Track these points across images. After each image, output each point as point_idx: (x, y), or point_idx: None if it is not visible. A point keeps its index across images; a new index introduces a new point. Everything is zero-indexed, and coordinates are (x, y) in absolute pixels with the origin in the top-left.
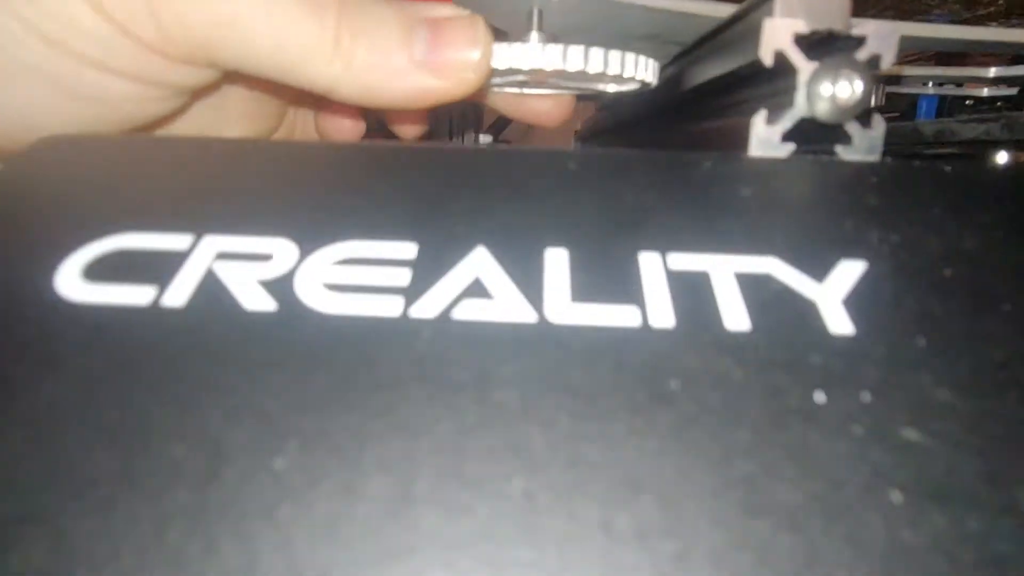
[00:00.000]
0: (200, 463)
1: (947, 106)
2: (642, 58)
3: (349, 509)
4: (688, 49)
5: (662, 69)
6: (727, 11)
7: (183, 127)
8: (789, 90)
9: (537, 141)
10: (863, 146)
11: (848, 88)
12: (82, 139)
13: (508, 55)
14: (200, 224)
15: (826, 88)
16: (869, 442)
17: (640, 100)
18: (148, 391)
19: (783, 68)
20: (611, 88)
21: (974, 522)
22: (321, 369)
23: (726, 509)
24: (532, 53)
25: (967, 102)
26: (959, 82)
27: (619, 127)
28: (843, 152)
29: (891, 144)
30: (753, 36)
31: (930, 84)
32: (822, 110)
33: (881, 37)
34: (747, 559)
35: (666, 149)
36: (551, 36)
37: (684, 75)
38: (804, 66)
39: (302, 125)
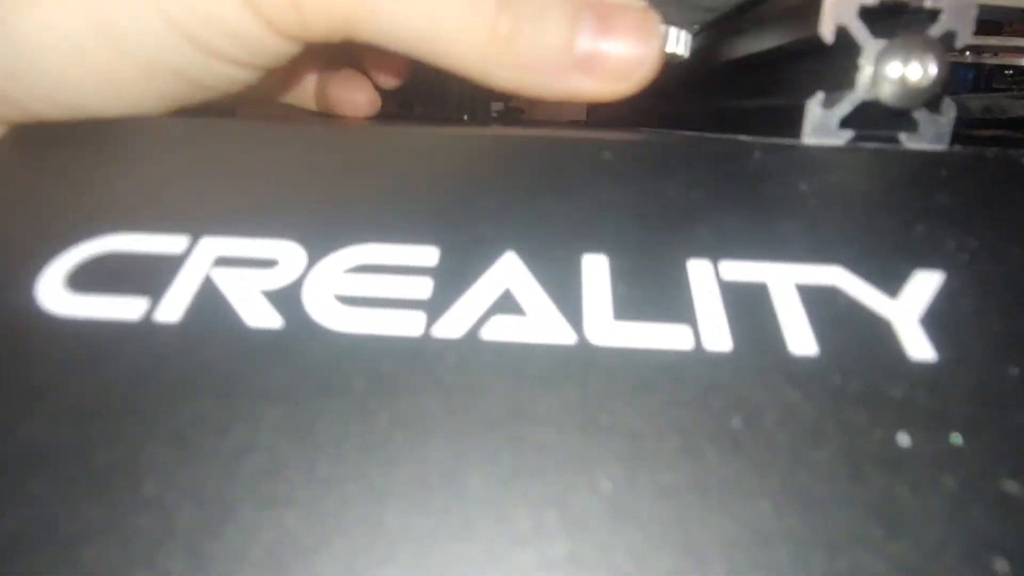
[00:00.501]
0: (198, 512)
1: (985, 76)
2: (673, 30)
3: (364, 566)
4: (726, 14)
5: (694, 35)
6: None
7: None
8: (850, 70)
9: (550, 108)
10: (930, 133)
11: (919, 70)
12: (60, 126)
13: None
14: (196, 223)
15: (895, 69)
16: (964, 497)
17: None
18: (139, 424)
19: (844, 45)
20: None
21: None
22: (333, 401)
23: None
24: None
25: (1007, 71)
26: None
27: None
28: (908, 140)
29: None
30: (809, 7)
31: (967, 52)
32: (889, 93)
33: (957, 10)
34: None
35: (701, 128)
36: None
37: (720, 45)
38: (870, 44)
39: (299, 80)
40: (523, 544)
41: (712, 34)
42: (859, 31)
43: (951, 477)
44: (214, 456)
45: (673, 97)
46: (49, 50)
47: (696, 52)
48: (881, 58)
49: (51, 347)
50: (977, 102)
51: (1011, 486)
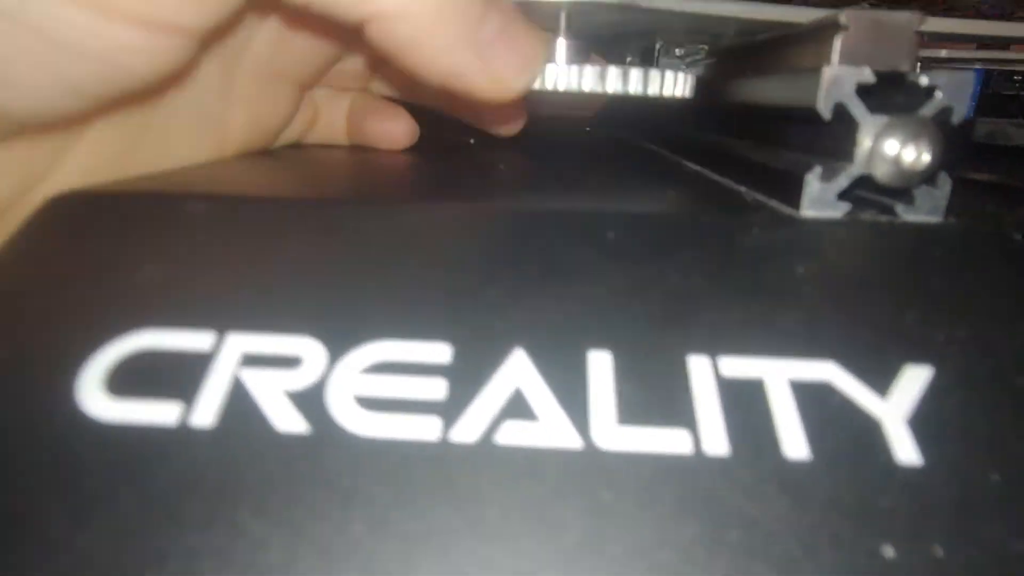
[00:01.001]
0: None
1: (993, 81)
2: (680, 76)
3: None
4: (727, 53)
5: (697, 61)
6: (763, 12)
7: (183, 108)
8: (848, 143)
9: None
10: (926, 206)
11: (915, 153)
12: (95, 198)
13: (543, 76)
14: (221, 317)
15: (891, 147)
16: None
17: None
18: (182, 535)
19: (842, 118)
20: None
21: None
22: (363, 507)
23: None
24: (569, 75)
25: (1015, 77)
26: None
27: (640, 123)
28: (904, 212)
29: None
30: (810, 80)
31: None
32: (884, 172)
33: (953, 87)
34: None
35: (704, 161)
36: (578, 39)
37: (725, 84)
38: (868, 121)
39: (327, 117)
40: None
41: (717, 68)
42: (856, 108)
43: None
44: (253, 569)
45: (674, 126)
46: None
47: (701, 83)
48: (878, 137)
49: (94, 453)
50: (983, 126)
51: None
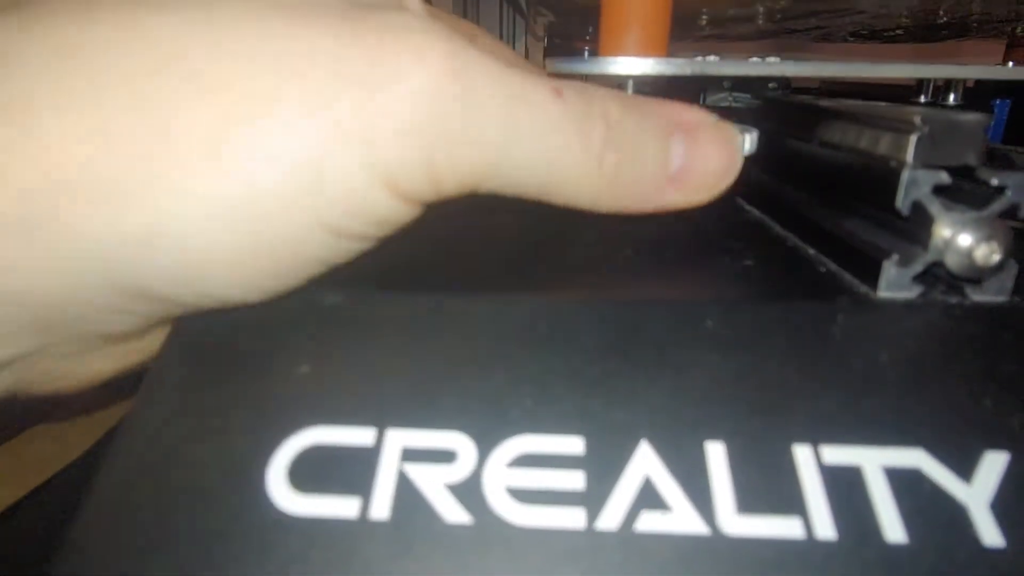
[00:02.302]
0: None
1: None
2: (748, 136)
3: None
4: (788, 110)
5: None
6: (829, 71)
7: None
8: (923, 233)
9: None
10: (993, 287)
11: (987, 249)
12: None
13: None
14: (378, 414)
15: (964, 241)
16: None
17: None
18: None
19: (919, 210)
20: None
21: None
22: None
23: None
24: None
25: None
26: None
27: None
28: (972, 292)
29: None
30: (888, 174)
31: (1010, 63)
32: (956, 264)
33: (1020, 187)
34: None
35: (761, 209)
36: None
37: (784, 141)
38: (943, 217)
39: None
40: None
41: (777, 123)
42: (933, 205)
43: None
44: None
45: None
46: (212, 264)
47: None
48: (954, 233)
49: (291, 543)
50: (1020, 158)
51: None
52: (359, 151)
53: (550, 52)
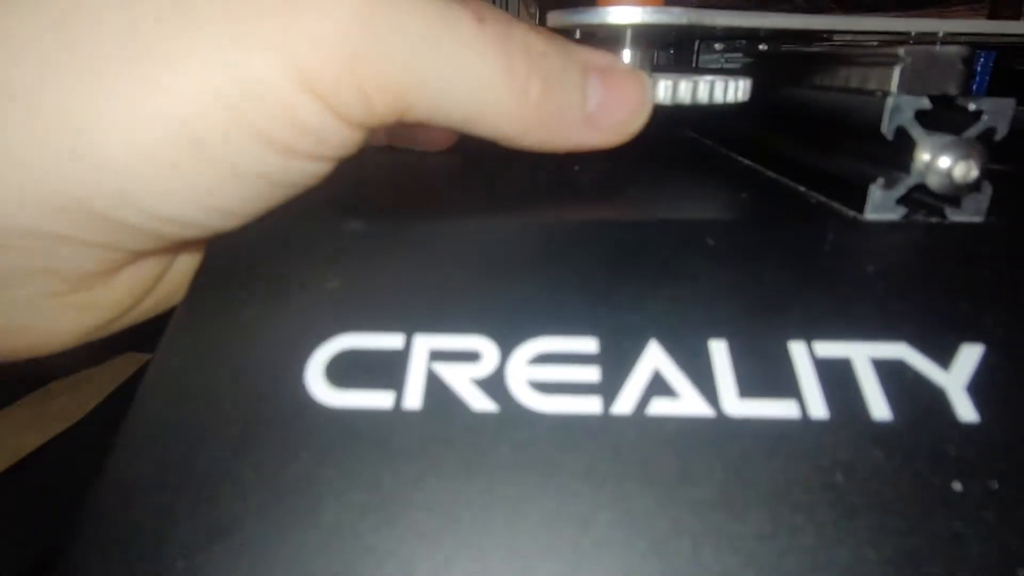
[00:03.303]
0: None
1: (1005, 58)
2: (741, 83)
3: None
4: (779, 60)
5: (733, 57)
6: (819, 23)
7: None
8: (906, 157)
9: None
10: (971, 208)
11: (965, 169)
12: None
13: None
14: (406, 322)
15: (944, 163)
16: (1001, 528)
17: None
18: (408, 499)
19: (902, 136)
20: None
21: None
22: (550, 467)
23: None
24: None
25: None
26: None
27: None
28: (951, 214)
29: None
30: (873, 102)
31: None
32: (937, 184)
33: (996, 112)
34: None
35: (769, 162)
36: (639, 47)
37: (775, 90)
38: (925, 141)
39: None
40: (686, 567)
41: (769, 73)
42: (915, 129)
43: (991, 514)
44: (470, 528)
45: (733, 120)
46: (149, 172)
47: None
48: (934, 154)
49: (331, 433)
50: None
51: None
52: (284, 62)
53: (545, 7)
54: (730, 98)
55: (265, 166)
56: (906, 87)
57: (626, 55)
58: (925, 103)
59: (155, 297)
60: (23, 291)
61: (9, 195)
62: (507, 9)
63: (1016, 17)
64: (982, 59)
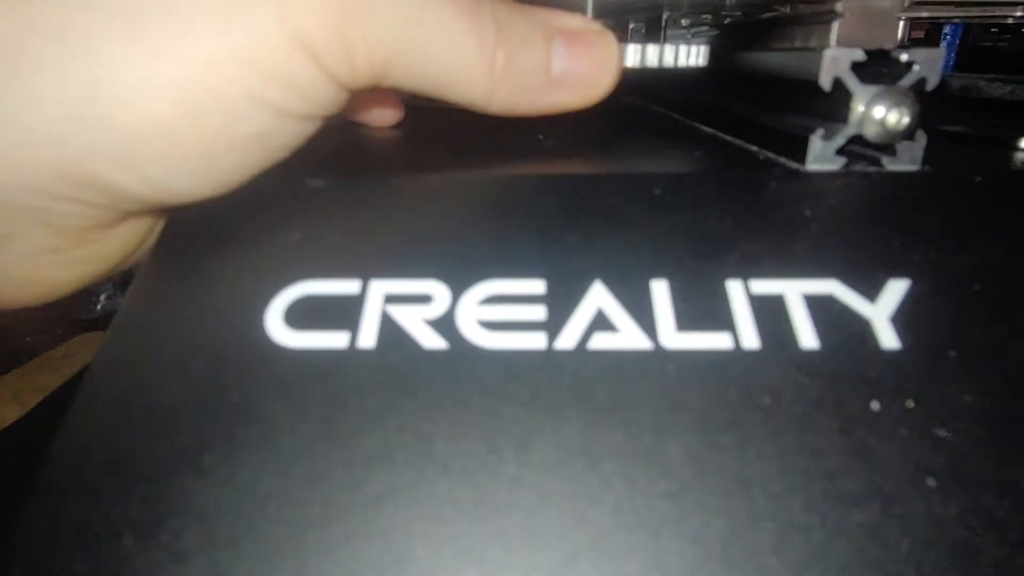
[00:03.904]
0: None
1: (972, 34)
2: (694, 48)
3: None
4: (734, 28)
5: (700, 31)
6: None
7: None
8: (843, 108)
9: None
10: (906, 157)
11: (897, 116)
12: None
13: None
14: (363, 269)
15: (878, 112)
16: (912, 441)
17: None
18: (372, 422)
19: (839, 88)
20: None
21: (987, 499)
22: (497, 397)
23: (813, 496)
24: None
25: (992, 29)
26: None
27: (652, 89)
28: (888, 163)
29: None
30: (812, 55)
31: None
32: (873, 132)
33: (927, 62)
34: (825, 530)
35: (720, 123)
36: (602, 15)
37: (730, 56)
38: (860, 91)
39: None
40: (632, 482)
41: (726, 41)
42: (851, 81)
43: (904, 430)
44: (427, 458)
45: (691, 90)
46: (149, 138)
47: (712, 54)
48: (869, 104)
49: (287, 370)
50: (957, 80)
51: (942, 432)
52: (277, 14)
53: None
54: (692, 62)
55: (259, 127)
56: (844, 41)
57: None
58: (859, 55)
59: (145, 248)
60: (25, 246)
61: (12, 155)
62: None
63: None
64: (948, 35)
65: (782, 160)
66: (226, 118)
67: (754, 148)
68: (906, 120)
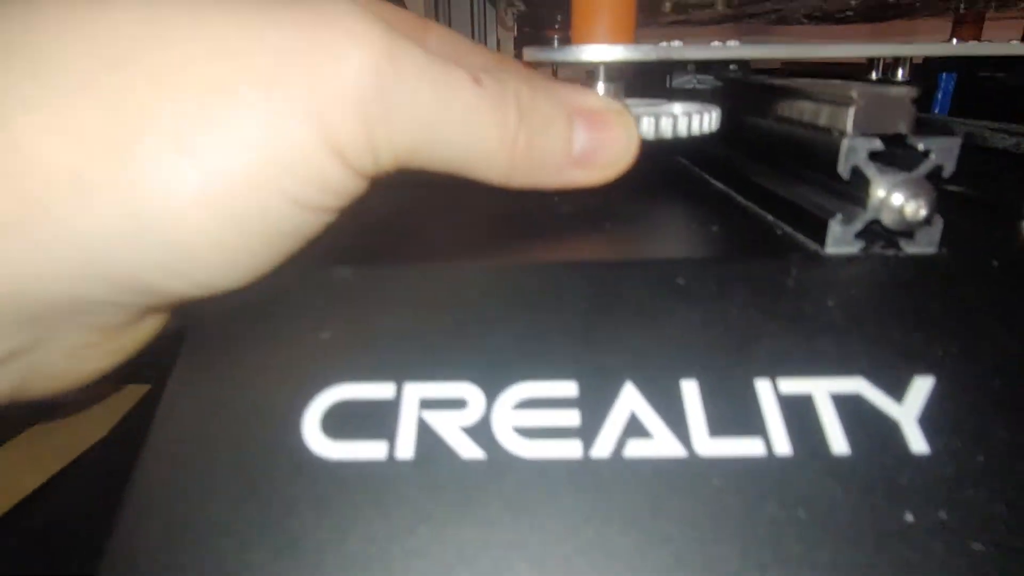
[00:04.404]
0: None
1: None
2: (706, 116)
3: None
4: (746, 89)
5: (703, 83)
6: (783, 52)
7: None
8: (862, 194)
9: None
10: (924, 240)
11: (915, 206)
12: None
13: None
14: (396, 371)
15: (896, 200)
16: (946, 559)
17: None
18: (415, 534)
19: (857, 174)
20: None
21: None
22: (539, 511)
23: None
24: None
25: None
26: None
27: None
28: (906, 246)
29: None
30: (830, 142)
31: (954, 40)
32: (891, 220)
33: (943, 150)
34: None
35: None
36: (612, 81)
37: (743, 119)
38: (878, 179)
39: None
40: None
41: (738, 101)
42: (869, 169)
43: (940, 543)
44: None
45: (712, 143)
46: (198, 248)
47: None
48: (887, 193)
49: (329, 486)
50: (960, 128)
51: (977, 546)
52: (312, 123)
53: (521, 42)
54: (705, 129)
55: (291, 224)
56: (860, 127)
57: (600, 88)
58: (878, 144)
59: (165, 329)
60: (61, 345)
61: (65, 269)
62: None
63: (978, 30)
64: (942, 79)
65: (801, 238)
66: (262, 220)
67: (770, 218)
68: (923, 212)
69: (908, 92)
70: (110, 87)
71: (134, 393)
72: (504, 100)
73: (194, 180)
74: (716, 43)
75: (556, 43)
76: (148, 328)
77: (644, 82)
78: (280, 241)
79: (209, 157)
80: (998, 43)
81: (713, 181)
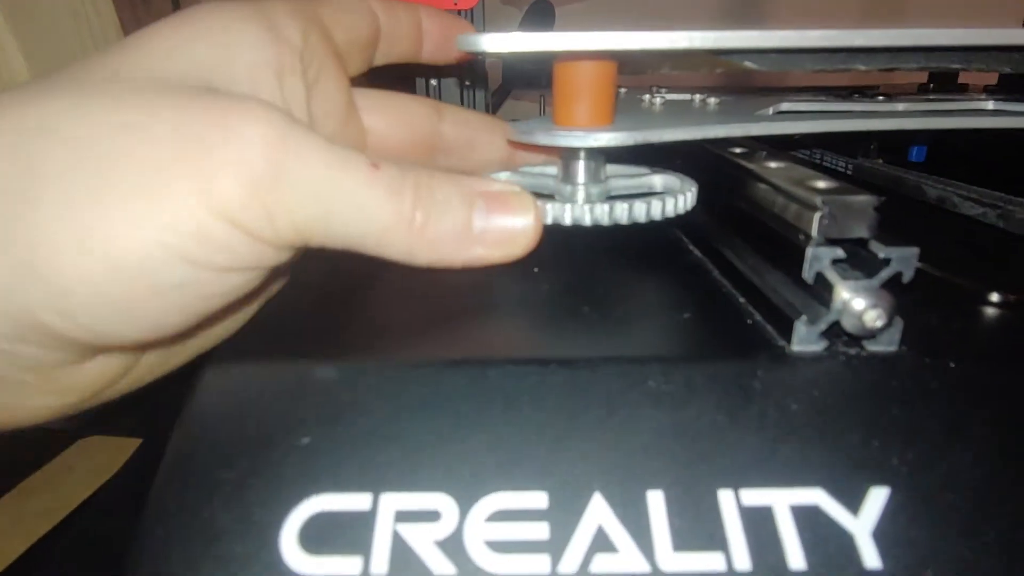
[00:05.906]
0: None
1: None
2: (681, 199)
3: None
4: (726, 171)
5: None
6: (759, 130)
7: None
8: (826, 294)
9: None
10: (884, 340)
11: (875, 314)
12: (240, 372)
13: (558, 214)
14: (372, 480)
15: (858, 304)
16: None
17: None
18: None
19: (822, 278)
20: None
21: None
22: None
23: None
24: (582, 214)
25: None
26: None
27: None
28: (868, 344)
29: (889, 192)
30: (796, 248)
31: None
32: (852, 326)
33: (902, 260)
34: None
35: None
36: (594, 159)
37: (723, 201)
38: (840, 285)
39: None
40: None
41: (715, 181)
42: (831, 275)
43: None
44: None
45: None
46: (80, 293)
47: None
48: (848, 299)
49: None
50: (934, 190)
51: None
52: (199, 193)
53: (501, 95)
54: (681, 211)
55: (178, 279)
56: (824, 232)
57: (580, 167)
58: (840, 253)
59: (128, 380)
60: None
61: None
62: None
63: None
64: (914, 152)
65: (770, 330)
66: (144, 271)
67: (742, 300)
68: (881, 321)
69: (871, 201)
70: (25, 153)
71: (122, 449)
72: (401, 183)
73: (78, 230)
74: (698, 126)
75: (541, 103)
76: (95, 372)
77: None
78: (172, 295)
79: (93, 211)
80: (975, 116)
81: (692, 248)
